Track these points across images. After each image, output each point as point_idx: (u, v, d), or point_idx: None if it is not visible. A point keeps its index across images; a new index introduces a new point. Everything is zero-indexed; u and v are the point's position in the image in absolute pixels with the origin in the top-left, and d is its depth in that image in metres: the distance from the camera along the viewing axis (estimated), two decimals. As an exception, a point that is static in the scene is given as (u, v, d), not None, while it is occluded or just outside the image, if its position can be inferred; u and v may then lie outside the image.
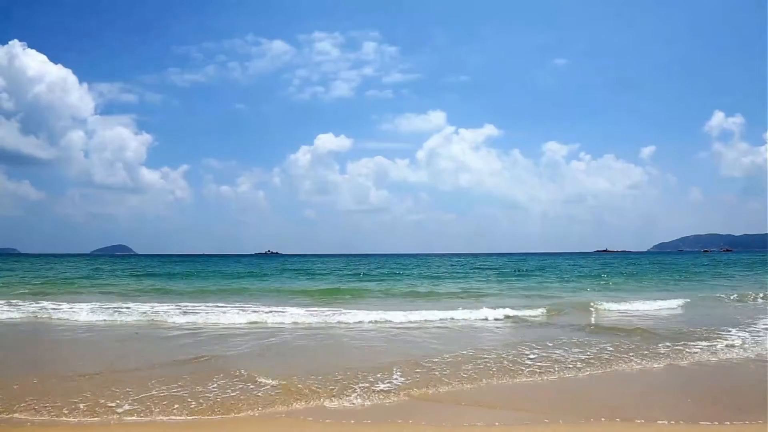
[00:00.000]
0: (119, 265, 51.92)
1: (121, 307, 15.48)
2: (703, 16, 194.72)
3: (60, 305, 15.89)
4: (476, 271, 41.46)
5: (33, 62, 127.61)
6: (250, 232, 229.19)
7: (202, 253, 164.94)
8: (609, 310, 15.51)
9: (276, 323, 12.78)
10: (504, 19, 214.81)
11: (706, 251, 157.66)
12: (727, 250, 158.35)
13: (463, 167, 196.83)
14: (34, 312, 14.78)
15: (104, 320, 13.46)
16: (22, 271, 39.24)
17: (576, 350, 9.12)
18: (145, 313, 14.36)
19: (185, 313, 14.29)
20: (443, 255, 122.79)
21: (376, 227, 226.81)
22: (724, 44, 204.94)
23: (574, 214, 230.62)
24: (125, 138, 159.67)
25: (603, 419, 5.87)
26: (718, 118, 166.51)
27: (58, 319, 13.74)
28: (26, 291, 22.47)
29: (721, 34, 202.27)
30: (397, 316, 13.18)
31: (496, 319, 13.30)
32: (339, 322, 12.86)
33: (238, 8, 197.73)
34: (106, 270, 42.30)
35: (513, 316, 13.69)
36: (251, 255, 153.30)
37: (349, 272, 39.49)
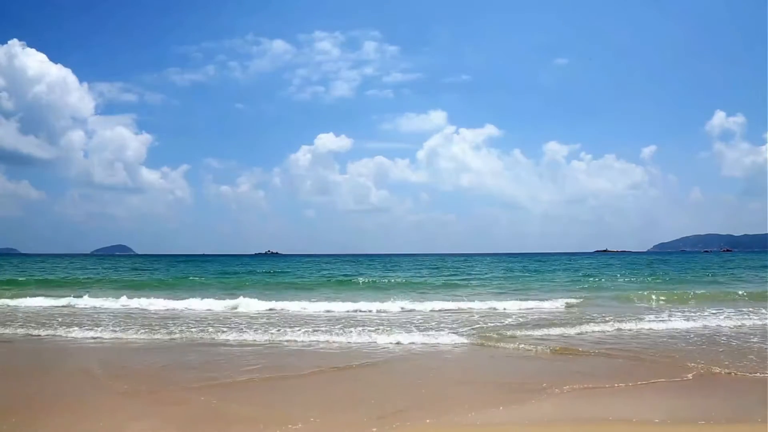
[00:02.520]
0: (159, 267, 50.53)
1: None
2: (704, 15, 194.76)
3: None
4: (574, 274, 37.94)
5: (32, 62, 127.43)
6: (250, 232, 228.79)
7: (202, 253, 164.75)
8: None
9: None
10: (505, 19, 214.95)
11: (707, 251, 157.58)
12: (727, 250, 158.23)
13: (463, 167, 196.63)
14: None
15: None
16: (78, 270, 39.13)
17: None
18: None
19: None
20: (447, 255, 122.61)
21: (376, 227, 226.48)
22: (726, 44, 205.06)
23: (575, 214, 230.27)
24: (125, 138, 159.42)
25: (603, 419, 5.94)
26: (719, 117, 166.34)
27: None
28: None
29: (722, 33, 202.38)
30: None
31: None
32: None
33: (238, 8, 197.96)
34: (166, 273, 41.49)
35: None
36: (251, 255, 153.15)
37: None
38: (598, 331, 12.19)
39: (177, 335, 12.13)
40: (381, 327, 12.92)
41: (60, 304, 18.14)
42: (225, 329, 12.78)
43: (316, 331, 12.39)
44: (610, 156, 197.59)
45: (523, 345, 10.58)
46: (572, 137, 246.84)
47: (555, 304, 17.35)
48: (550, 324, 13.11)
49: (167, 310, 17.00)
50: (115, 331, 12.59)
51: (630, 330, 12.38)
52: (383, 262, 65.61)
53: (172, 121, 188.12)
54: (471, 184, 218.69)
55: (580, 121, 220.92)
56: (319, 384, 7.87)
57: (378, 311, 16.13)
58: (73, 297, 19.82)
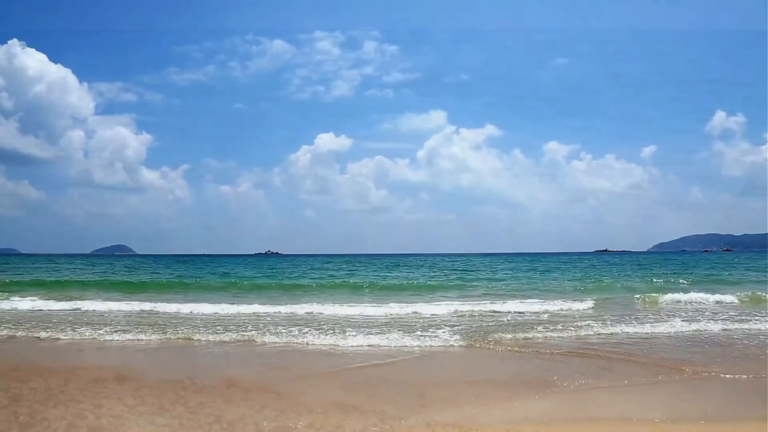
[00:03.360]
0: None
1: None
2: (704, 14, 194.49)
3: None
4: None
5: (32, 61, 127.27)
6: (250, 232, 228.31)
7: (202, 253, 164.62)
8: None
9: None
10: (505, 18, 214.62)
11: (707, 251, 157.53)
12: (727, 250, 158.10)
13: (463, 167, 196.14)
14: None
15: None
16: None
17: None
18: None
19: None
20: (447, 255, 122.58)
21: (376, 227, 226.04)
22: (726, 43, 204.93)
23: (575, 214, 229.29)
24: (125, 138, 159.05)
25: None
26: (719, 117, 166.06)
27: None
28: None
29: (722, 32, 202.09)
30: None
31: None
32: None
33: (238, 7, 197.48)
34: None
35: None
36: (251, 255, 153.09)
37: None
38: (618, 333, 12.21)
39: (181, 336, 12.15)
40: (395, 329, 12.95)
41: (61, 306, 18.11)
42: (233, 329, 12.79)
43: (322, 332, 12.41)
44: (610, 156, 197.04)
45: (530, 347, 10.60)
46: (572, 137, 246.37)
47: (569, 306, 17.29)
48: (564, 325, 13.15)
49: (170, 312, 16.97)
50: (120, 332, 12.59)
51: (641, 332, 12.36)
52: (386, 262, 65.49)
53: (172, 121, 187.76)
54: (471, 184, 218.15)
55: (580, 120, 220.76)
56: (322, 384, 7.87)
57: (403, 314, 16.00)
58: (76, 299, 19.82)
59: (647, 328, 12.56)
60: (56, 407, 6.49)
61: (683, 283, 26.77)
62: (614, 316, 14.78)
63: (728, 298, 19.25)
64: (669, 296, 19.70)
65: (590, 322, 13.39)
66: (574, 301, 18.50)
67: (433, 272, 40.82)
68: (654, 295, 20.00)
